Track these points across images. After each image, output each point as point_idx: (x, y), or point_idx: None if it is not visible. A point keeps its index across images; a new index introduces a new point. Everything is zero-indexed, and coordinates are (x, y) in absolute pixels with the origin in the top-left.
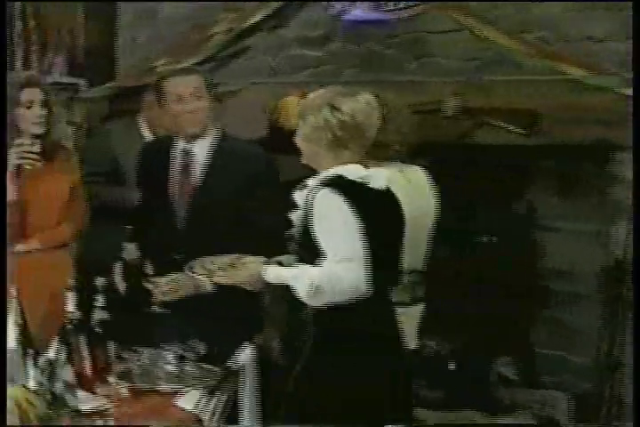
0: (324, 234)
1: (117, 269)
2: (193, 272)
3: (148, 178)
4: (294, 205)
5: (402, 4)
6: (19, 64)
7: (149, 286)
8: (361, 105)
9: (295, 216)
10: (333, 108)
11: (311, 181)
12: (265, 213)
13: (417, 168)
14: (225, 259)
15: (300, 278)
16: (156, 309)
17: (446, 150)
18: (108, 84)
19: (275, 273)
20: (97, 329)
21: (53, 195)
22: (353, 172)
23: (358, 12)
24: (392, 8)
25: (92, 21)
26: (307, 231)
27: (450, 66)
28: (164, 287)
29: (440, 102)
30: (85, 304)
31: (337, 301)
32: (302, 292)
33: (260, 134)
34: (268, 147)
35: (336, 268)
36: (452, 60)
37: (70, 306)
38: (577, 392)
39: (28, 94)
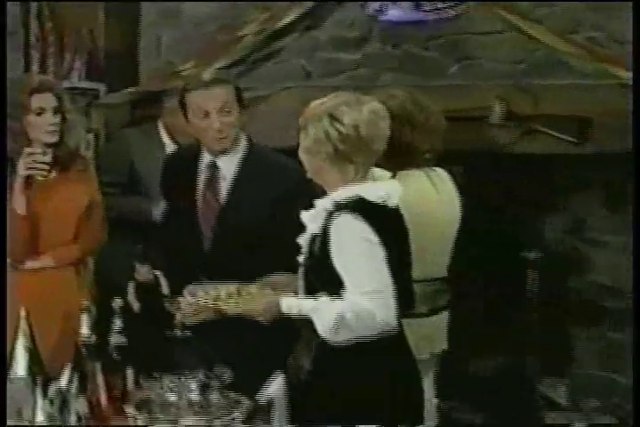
0: (346, 263)
1: (131, 289)
2: (194, 298)
3: (171, 193)
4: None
5: (443, 4)
6: (35, 68)
7: (169, 308)
8: (365, 116)
9: (305, 241)
10: (334, 118)
11: (324, 202)
12: (300, 234)
13: (442, 171)
14: (230, 286)
15: (322, 312)
16: (177, 332)
17: (490, 159)
18: (129, 89)
19: (292, 305)
20: (114, 354)
21: (68, 207)
22: (372, 191)
23: (396, 12)
24: (432, 8)
25: (114, 22)
26: (322, 259)
27: (494, 69)
28: (186, 309)
29: (484, 108)
30: (101, 327)
31: (362, 336)
32: (324, 327)
33: (291, 143)
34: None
35: (363, 301)
36: (497, 63)
37: (85, 329)
38: (623, 416)
39: (38, 100)
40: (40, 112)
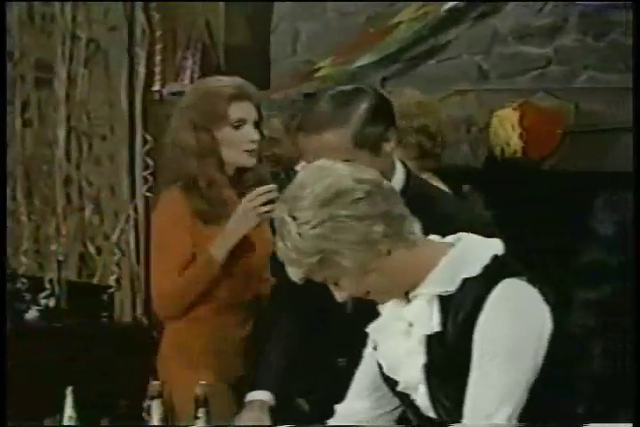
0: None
1: None
2: None
3: None
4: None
5: None
6: (141, 68)
7: None
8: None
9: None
10: (293, 218)
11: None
12: None
13: None
14: None
15: None
16: None
17: None
18: None
19: None
20: None
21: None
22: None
23: None
24: None
25: (237, 11)
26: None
27: None
28: None
29: None
30: None
31: None
32: None
33: (462, 162)
34: (476, 182)
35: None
36: None
37: None
38: None
39: (239, 109)
40: (239, 124)
